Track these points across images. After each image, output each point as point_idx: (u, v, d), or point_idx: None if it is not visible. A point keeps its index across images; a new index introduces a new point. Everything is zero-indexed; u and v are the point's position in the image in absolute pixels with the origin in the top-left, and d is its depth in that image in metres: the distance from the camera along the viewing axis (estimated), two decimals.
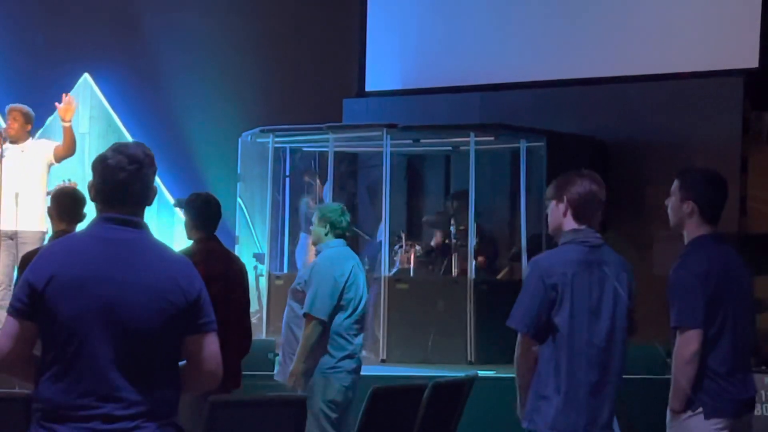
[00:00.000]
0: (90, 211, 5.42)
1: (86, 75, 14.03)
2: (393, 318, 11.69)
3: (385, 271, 11.92)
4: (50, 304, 3.88)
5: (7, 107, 10.48)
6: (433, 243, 12.84)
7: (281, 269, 13.09)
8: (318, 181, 13.43)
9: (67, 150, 10.34)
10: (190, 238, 7.31)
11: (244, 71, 14.51)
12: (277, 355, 8.67)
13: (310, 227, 8.15)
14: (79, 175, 11.49)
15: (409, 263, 12.34)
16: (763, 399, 9.25)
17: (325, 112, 13.83)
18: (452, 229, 12.45)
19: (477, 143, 12.30)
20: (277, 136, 13.05)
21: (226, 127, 13.97)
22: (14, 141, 10.26)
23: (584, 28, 13.75)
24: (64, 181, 9.71)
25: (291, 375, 7.51)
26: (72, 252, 3.97)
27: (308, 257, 12.57)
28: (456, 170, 13.61)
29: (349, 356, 7.63)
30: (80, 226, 7.40)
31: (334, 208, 7.89)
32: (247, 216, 13.60)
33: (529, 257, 11.78)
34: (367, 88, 14.97)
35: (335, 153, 12.77)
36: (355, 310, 7.67)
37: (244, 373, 7.30)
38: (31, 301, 3.90)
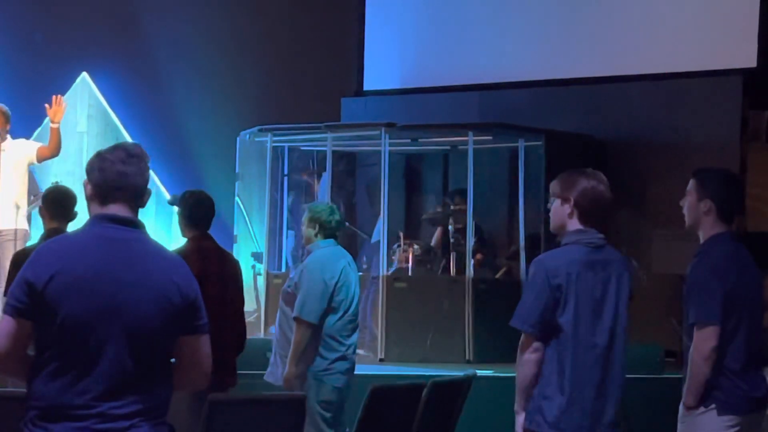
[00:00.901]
0: (81, 210, 5.40)
1: (84, 74, 13.99)
2: (391, 317, 11.67)
3: (383, 270, 11.91)
4: (51, 303, 3.86)
5: None
6: (432, 243, 12.83)
7: (279, 268, 13.07)
8: (315, 180, 13.41)
9: (52, 151, 10.26)
10: (183, 236, 7.30)
11: (242, 70, 14.50)
12: None
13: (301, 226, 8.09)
14: (78, 174, 11.47)
15: (408, 262, 12.33)
16: None
17: (324, 111, 13.82)
18: (450, 228, 12.44)
19: (475, 142, 12.28)
20: (276, 135, 13.03)
21: (225, 126, 13.96)
22: None
23: (582, 28, 13.75)
24: (54, 182, 9.66)
25: (285, 380, 7.47)
26: (74, 251, 3.95)
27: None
28: (454, 169, 13.60)
29: (342, 358, 7.54)
30: (71, 226, 7.42)
31: (323, 207, 7.77)
32: (246, 215, 13.58)
33: (527, 256, 11.77)
34: (366, 87, 14.98)
35: (333, 152, 12.76)
36: (346, 311, 7.57)
37: (241, 372, 7.31)
38: (30, 300, 3.88)
